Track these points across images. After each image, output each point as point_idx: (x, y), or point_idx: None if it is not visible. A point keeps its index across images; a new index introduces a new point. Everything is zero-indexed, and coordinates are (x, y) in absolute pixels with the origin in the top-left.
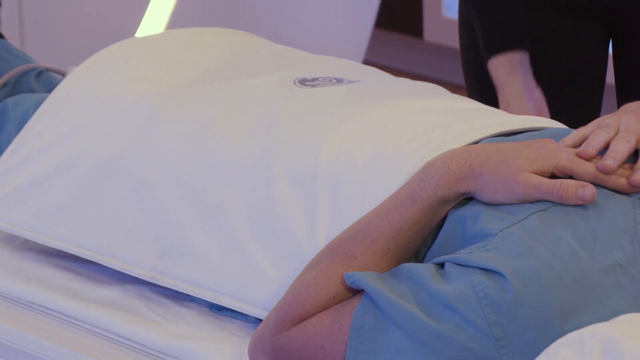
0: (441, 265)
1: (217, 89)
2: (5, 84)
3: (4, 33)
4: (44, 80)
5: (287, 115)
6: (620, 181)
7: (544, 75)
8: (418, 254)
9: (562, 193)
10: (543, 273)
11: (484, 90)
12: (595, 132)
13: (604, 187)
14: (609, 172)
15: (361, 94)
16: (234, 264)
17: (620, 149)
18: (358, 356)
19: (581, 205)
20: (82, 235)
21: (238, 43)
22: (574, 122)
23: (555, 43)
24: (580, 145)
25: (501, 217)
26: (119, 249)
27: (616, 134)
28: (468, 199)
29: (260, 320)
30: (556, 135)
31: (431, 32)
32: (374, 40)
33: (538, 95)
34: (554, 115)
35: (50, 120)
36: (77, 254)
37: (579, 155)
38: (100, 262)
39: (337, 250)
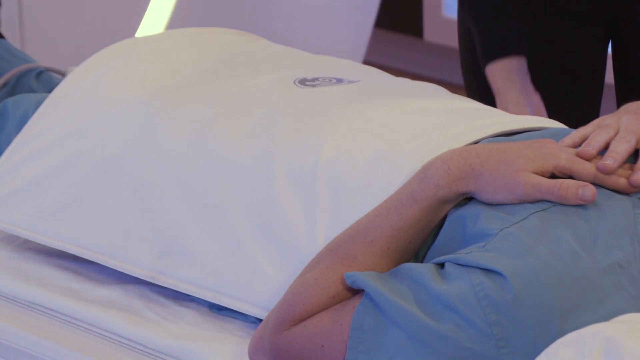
0: (441, 265)
1: (217, 89)
2: (5, 84)
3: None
4: (44, 80)
5: (287, 115)
6: (620, 181)
7: (543, 77)
8: (418, 254)
9: (562, 193)
10: (543, 273)
11: (482, 91)
12: (595, 132)
13: (604, 187)
14: (609, 172)
15: (361, 94)
16: (234, 264)
17: (620, 149)
18: (358, 356)
19: (581, 205)
20: (82, 235)
21: (238, 43)
22: (574, 122)
23: (554, 45)
24: (580, 145)
25: (501, 217)
26: (119, 249)
27: (616, 134)
28: (468, 199)
29: (260, 320)
30: (556, 135)
31: (431, 32)
32: (374, 40)
33: (536, 100)
34: (553, 117)
35: (50, 120)
36: (77, 254)
37: (579, 155)
38: (100, 262)
39: (337, 250)
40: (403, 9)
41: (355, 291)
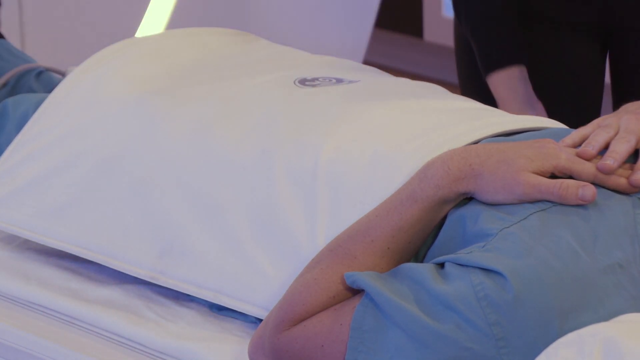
0: (441, 265)
1: (217, 89)
2: (5, 84)
3: (4, 33)
4: (44, 80)
5: (287, 115)
6: (620, 181)
7: (543, 83)
8: (418, 254)
9: (562, 193)
10: (543, 273)
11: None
12: (595, 132)
13: (604, 187)
14: (609, 172)
15: (361, 94)
16: (234, 264)
17: (620, 149)
18: (358, 356)
19: (581, 205)
20: (82, 235)
21: (238, 43)
22: (574, 122)
23: (551, 51)
24: (580, 145)
25: (501, 217)
26: (119, 249)
27: (616, 134)
28: (468, 199)
29: (260, 320)
30: (556, 135)
31: (431, 32)
32: (374, 40)
33: (539, 108)
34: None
35: (50, 120)
36: (77, 254)
37: (579, 155)
38: (100, 262)
39: (337, 250)
40: (403, 9)
41: (355, 291)
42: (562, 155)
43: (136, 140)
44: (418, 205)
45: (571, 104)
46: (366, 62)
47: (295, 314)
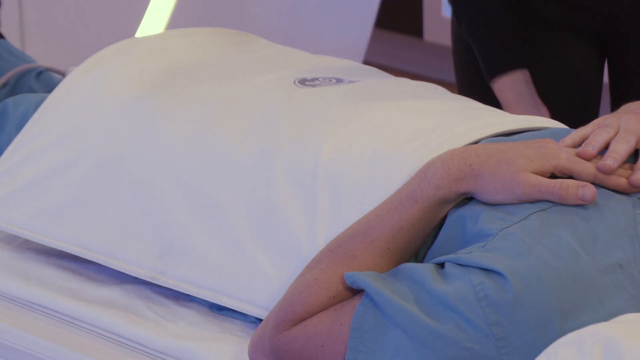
0: (441, 265)
1: (217, 89)
2: (5, 84)
3: (4, 33)
4: (44, 80)
5: (287, 115)
6: (620, 181)
7: (543, 84)
8: (418, 254)
9: (562, 193)
10: (543, 273)
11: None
12: (595, 132)
13: (604, 187)
14: (609, 172)
15: (361, 94)
16: (234, 264)
17: (620, 149)
18: (358, 356)
19: (581, 205)
20: (82, 235)
21: (238, 43)
22: (574, 122)
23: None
24: (580, 145)
25: (501, 217)
26: (119, 249)
27: (616, 134)
28: (468, 199)
29: (260, 320)
30: (556, 135)
31: (431, 32)
32: (374, 40)
33: (544, 111)
34: (553, 118)
35: (50, 120)
36: (77, 254)
37: (579, 155)
38: (100, 262)
39: (337, 250)
40: (403, 9)
41: (355, 291)
42: (562, 155)
43: (136, 140)
44: (418, 205)
45: (570, 104)
46: (366, 62)
47: (295, 314)
